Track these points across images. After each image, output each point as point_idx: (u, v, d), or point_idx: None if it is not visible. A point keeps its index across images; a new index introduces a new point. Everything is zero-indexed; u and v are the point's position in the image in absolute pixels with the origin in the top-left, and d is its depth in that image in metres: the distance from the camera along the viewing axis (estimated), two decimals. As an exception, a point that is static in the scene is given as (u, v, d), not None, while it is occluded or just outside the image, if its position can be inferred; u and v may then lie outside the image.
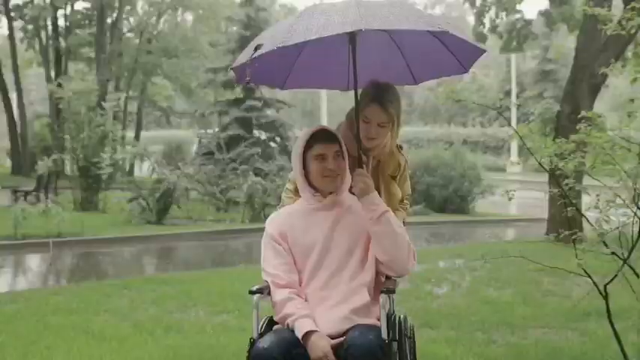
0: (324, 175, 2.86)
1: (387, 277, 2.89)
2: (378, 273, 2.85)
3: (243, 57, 2.82)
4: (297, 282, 2.82)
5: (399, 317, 2.93)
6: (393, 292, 2.79)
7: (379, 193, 3.04)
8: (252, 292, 2.77)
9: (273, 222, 2.95)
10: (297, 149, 2.91)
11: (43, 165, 16.17)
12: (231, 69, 2.98)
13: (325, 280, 2.80)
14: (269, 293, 2.79)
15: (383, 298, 2.72)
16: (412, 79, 3.40)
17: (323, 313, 2.72)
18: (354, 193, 2.88)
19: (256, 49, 2.65)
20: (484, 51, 3.04)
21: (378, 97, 3.02)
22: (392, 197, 3.21)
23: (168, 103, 35.05)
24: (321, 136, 2.87)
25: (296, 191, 3.08)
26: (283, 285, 2.78)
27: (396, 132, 3.16)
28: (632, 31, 3.98)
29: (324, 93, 29.95)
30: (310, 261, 2.83)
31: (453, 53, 3.12)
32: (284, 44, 2.56)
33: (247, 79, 2.68)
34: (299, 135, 2.93)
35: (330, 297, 2.77)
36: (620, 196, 3.80)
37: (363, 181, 2.81)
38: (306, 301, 2.78)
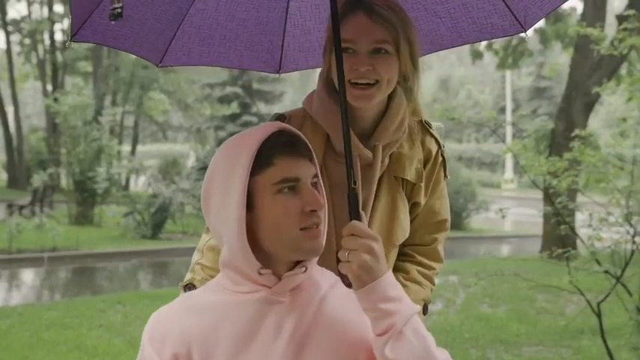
0: (303, 224, 1.25)
1: None
2: None
3: None
4: None
5: None
6: None
7: (370, 215, 1.60)
8: None
9: (159, 330, 1.28)
10: (232, 168, 1.27)
11: (39, 179, 16.16)
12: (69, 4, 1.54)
13: None
14: None
15: None
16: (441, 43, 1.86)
17: None
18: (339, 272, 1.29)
19: None
20: None
21: (364, 1, 1.56)
22: (395, 229, 1.66)
23: (164, 117, 35.11)
24: (283, 143, 1.28)
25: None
26: None
27: (413, 84, 1.64)
28: (624, 51, 4.04)
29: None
30: None
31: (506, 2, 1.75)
32: None
33: (113, 17, 1.39)
34: (230, 142, 1.34)
35: None
36: (612, 214, 3.83)
37: (366, 249, 1.24)
38: None
